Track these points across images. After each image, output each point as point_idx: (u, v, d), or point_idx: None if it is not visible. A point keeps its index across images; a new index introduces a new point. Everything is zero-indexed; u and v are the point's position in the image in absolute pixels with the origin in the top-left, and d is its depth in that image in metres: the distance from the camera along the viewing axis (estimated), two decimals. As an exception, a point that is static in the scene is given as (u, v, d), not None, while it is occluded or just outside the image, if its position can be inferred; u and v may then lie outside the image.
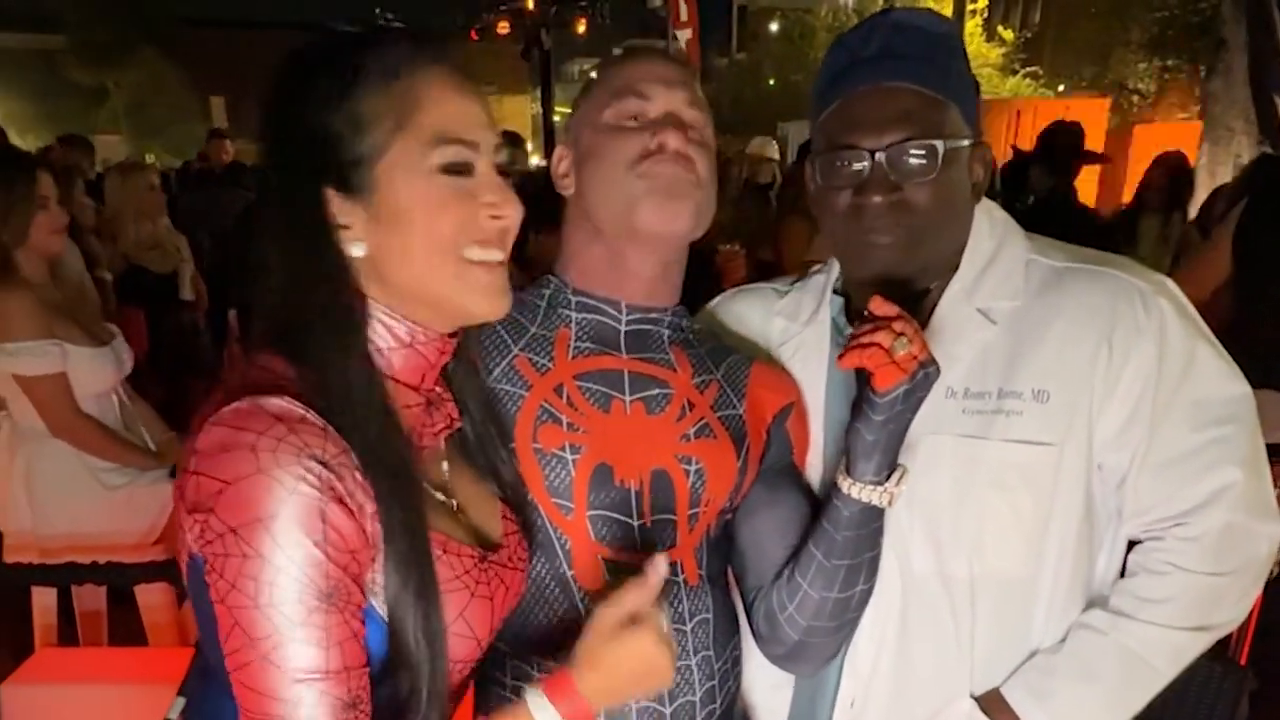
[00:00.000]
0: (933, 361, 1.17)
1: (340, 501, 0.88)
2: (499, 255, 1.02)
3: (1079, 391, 1.29)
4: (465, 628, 0.99)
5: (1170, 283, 1.35)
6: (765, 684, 1.45)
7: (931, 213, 1.29)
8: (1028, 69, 20.30)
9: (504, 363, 1.26)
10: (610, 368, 1.27)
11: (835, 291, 1.50)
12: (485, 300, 1.02)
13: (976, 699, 1.33)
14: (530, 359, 1.26)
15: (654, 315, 1.32)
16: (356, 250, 0.98)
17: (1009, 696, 1.31)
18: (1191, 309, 1.34)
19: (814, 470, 1.43)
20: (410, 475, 0.98)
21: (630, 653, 0.99)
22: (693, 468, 1.25)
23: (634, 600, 1.00)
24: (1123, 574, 1.37)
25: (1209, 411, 1.29)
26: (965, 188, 1.35)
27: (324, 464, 0.87)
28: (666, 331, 1.33)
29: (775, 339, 1.51)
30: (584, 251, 1.31)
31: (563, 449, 1.22)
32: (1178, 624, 1.29)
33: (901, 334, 1.13)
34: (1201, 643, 1.31)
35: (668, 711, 1.23)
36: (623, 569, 1.21)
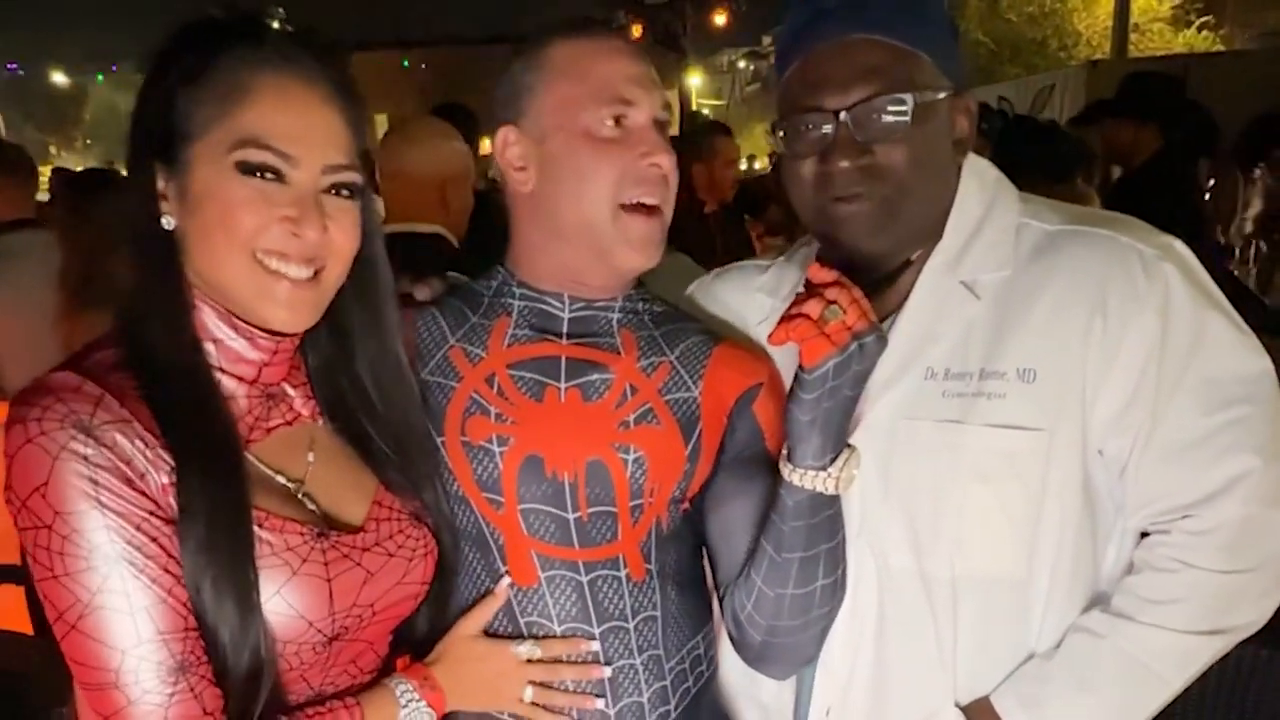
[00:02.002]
0: (872, 330, 1.07)
1: (115, 468, 0.90)
2: (297, 272, 1.00)
3: (1069, 370, 1.15)
4: (284, 605, 0.97)
5: (1179, 245, 1.19)
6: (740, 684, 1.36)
7: (906, 175, 1.18)
8: (1203, 19, 18.70)
9: (439, 355, 1.23)
10: (547, 354, 1.22)
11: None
12: (279, 310, 1.01)
13: (963, 708, 1.21)
14: (465, 349, 1.23)
15: (601, 303, 1.27)
16: (166, 222, 1.00)
17: (998, 706, 1.18)
18: (1203, 274, 1.18)
19: None
20: (222, 444, 0.98)
21: (478, 663, 1.11)
22: (631, 457, 1.19)
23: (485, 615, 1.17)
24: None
25: (1222, 391, 1.13)
26: (944, 144, 1.23)
27: (88, 431, 0.89)
28: (616, 315, 1.27)
29: (754, 317, 1.42)
30: (540, 252, 1.26)
31: (490, 441, 1.18)
32: (1187, 627, 1.13)
33: (834, 302, 1.04)
34: (1216, 648, 1.15)
35: (611, 713, 1.18)
36: (558, 565, 1.17)
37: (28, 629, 2.52)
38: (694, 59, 25.91)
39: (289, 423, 1.10)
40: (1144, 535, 1.20)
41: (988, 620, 1.20)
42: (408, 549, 1.12)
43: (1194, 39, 18.41)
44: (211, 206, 0.97)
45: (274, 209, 0.98)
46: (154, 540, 0.91)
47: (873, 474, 1.23)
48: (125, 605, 0.88)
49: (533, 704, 1.15)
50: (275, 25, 1.03)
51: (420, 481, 1.16)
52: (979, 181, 1.27)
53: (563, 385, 1.21)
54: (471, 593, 1.20)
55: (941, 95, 1.20)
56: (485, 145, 1.37)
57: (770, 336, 1.08)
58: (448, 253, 2.42)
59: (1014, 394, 1.16)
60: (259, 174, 0.97)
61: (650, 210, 1.20)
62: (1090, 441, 1.16)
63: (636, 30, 16.88)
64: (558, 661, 1.16)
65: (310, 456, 1.09)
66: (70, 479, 0.87)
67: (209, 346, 1.02)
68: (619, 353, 1.24)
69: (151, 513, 0.91)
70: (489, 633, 1.18)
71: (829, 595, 1.21)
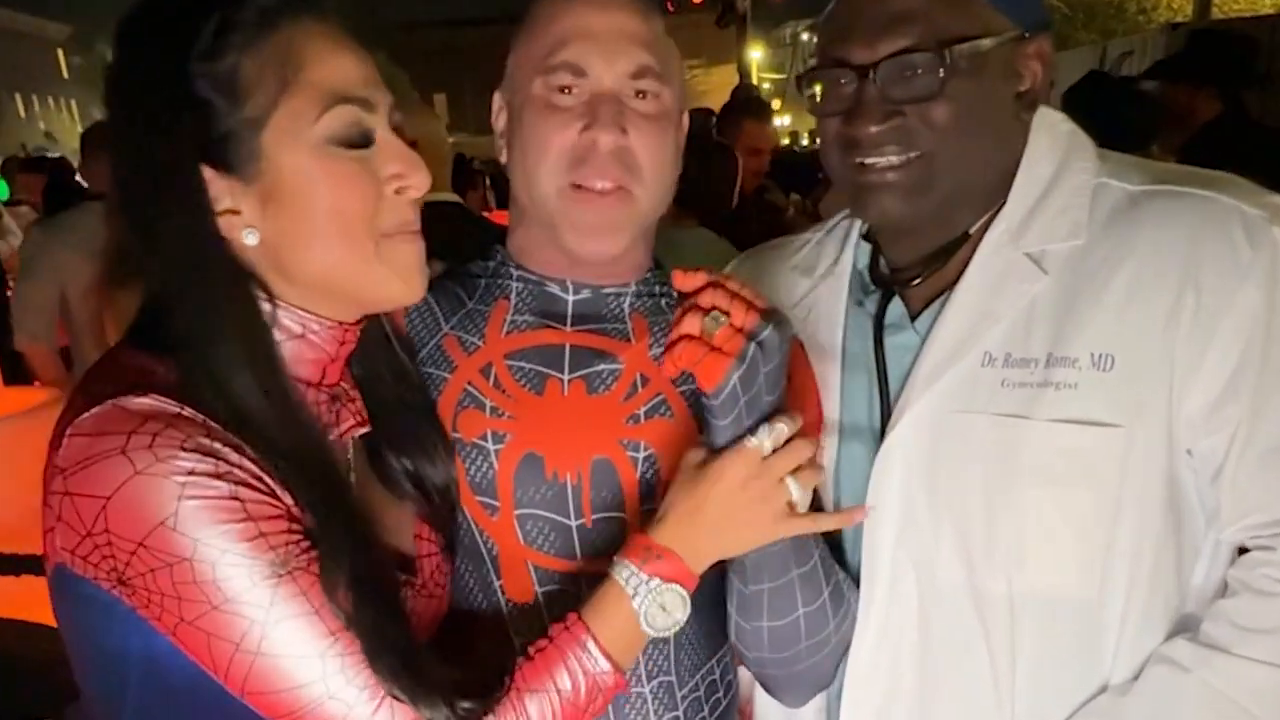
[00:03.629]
0: (771, 318, 0.90)
1: (248, 480, 0.79)
2: (413, 225, 0.91)
3: (1154, 355, 0.98)
4: None
5: None
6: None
7: (945, 136, 1.02)
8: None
9: (431, 343, 1.11)
10: (549, 343, 1.10)
11: (864, 237, 1.23)
12: (404, 283, 0.91)
13: (1020, 747, 1.04)
14: (459, 338, 1.11)
15: (610, 287, 1.13)
16: (249, 238, 0.85)
17: None
18: None
19: (827, 455, 1.18)
20: (338, 480, 0.88)
21: (712, 489, 0.91)
22: (641, 455, 1.06)
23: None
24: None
25: None
26: (1002, 99, 1.06)
27: (212, 452, 0.78)
28: (629, 299, 1.14)
29: (789, 298, 1.27)
30: (521, 228, 1.14)
31: (484, 438, 1.05)
32: None
33: (712, 308, 0.88)
34: None
35: None
36: (558, 579, 1.04)
37: (50, 620, 2.49)
38: (755, 31, 25.49)
39: (359, 424, 0.99)
40: (1242, 551, 1.03)
41: (1051, 646, 1.04)
42: (441, 586, 1.02)
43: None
44: (314, 194, 0.85)
45: (378, 174, 0.87)
46: (303, 543, 0.81)
47: (917, 475, 1.07)
48: (306, 607, 0.79)
49: (805, 512, 0.95)
50: None
51: (449, 497, 1.05)
52: (1049, 138, 1.10)
53: (566, 376, 1.08)
54: (466, 610, 1.07)
55: (1000, 41, 1.02)
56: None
57: (661, 369, 0.93)
58: (468, 221, 2.38)
59: (1087, 384, 0.99)
60: (351, 142, 0.86)
61: (602, 193, 1.05)
62: (1178, 440, 0.99)
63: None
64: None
65: (351, 476, 0.97)
66: (204, 501, 0.76)
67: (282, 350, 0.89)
68: (629, 340, 1.11)
69: (296, 520, 0.82)
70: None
71: (819, 622, 1.06)
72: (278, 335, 0.89)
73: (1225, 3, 16.39)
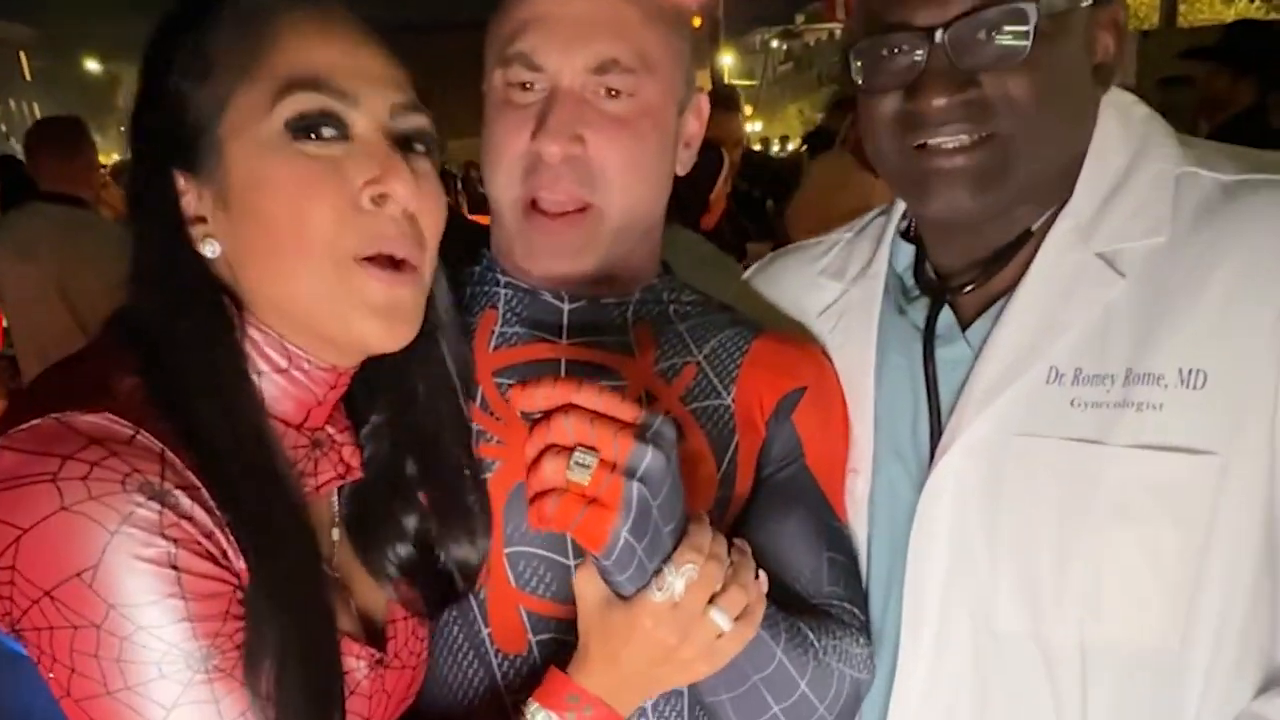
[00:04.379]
0: (648, 436, 0.71)
1: (196, 544, 0.65)
2: (398, 251, 0.75)
3: (1255, 371, 0.85)
4: None
5: None
6: None
7: (1027, 114, 0.90)
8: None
9: None
10: (542, 358, 0.97)
11: (903, 236, 1.10)
12: (376, 321, 0.76)
13: (1093, 815, 0.91)
14: None
15: (609, 298, 1.00)
16: (208, 249, 0.75)
17: None
18: None
19: (858, 477, 1.06)
20: (302, 540, 0.74)
21: (637, 625, 0.75)
22: None
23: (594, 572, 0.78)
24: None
25: None
26: (1081, 71, 0.94)
27: (161, 498, 0.64)
28: (631, 309, 1.01)
29: (816, 306, 1.13)
30: (498, 230, 1.01)
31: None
32: None
33: (576, 446, 0.71)
34: None
35: None
36: (553, 627, 0.89)
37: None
38: (726, 38, 25.55)
39: (340, 476, 0.85)
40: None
41: (1127, 701, 0.92)
42: (416, 655, 0.88)
43: (1245, 9, 17.78)
44: (266, 199, 0.72)
45: (346, 177, 0.73)
46: (236, 634, 0.68)
47: (973, 508, 0.95)
48: (215, 712, 0.65)
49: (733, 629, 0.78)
50: None
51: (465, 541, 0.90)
52: (1123, 122, 0.97)
53: None
54: (448, 665, 0.92)
55: (1083, 3, 0.90)
56: None
57: (528, 519, 0.75)
58: (454, 224, 2.25)
59: (1174, 404, 0.87)
60: (315, 132, 0.73)
61: (556, 215, 0.94)
62: (1279, 469, 0.86)
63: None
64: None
65: (334, 532, 0.85)
66: (137, 563, 0.63)
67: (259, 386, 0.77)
68: (632, 354, 0.97)
69: (237, 594, 0.69)
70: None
71: (803, 712, 0.90)
72: (260, 365, 0.76)
73: (1189, 12, 16.60)
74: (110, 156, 10.44)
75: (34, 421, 0.66)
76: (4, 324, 3.46)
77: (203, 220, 0.75)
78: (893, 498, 1.03)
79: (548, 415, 0.70)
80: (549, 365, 0.95)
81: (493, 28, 0.97)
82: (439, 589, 0.90)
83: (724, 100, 4.11)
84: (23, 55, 51.97)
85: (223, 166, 0.73)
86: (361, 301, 0.75)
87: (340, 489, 0.87)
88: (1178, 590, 0.88)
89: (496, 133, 0.95)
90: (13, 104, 51.24)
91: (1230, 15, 17.23)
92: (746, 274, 1.27)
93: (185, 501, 0.66)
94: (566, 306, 0.99)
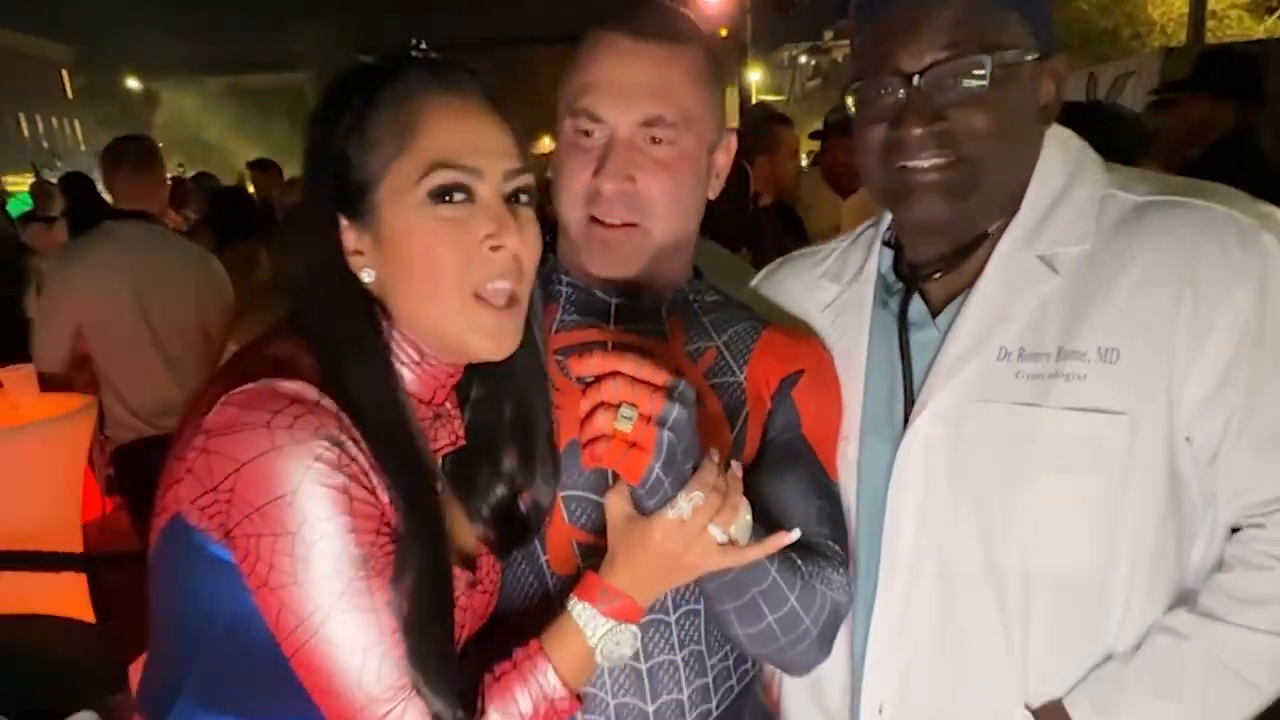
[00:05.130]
0: (675, 400, 0.92)
1: (359, 479, 0.89)
2: (508, 287, 0.99)
3: (1156, 348, 1.07)
4: None
5: None
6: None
7: (984, 141, 1.11)
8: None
9: None
10: (593, 340, 1.19)
11: (885, 244, 1.33)
12: (487, 341, 1.00)
13: (1033, 711, 1.13)
14: None
15: (648, 298, 1.23)
16: (366, 276, 0.99)
17: (1071, 710, 1.11)
18: None
19: (849, 442, 1.27)
20: (431, 489, 0.97)
21: (652, 536, 0.97)
22: None
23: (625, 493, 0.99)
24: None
25: None
26: (1028, 110, 1.15)
27: (339, 444, 0.88)
28: (665, 306, 1.25)
29: (817, 304, 1.36)
30: (567, 241, 1.24)
31: None
32: None
33: (621, 403, 0.92)
34: None
35: (650, 710, 1.13)
36: (598, 555, 1.13)
37: (88, 616, 2.57)
38: (754, 54, 25.73)
39: (452, 444, 1.09)
40: (1236, 530, 1.11)
41: (1062, 618, 1.13)
42: (493, 582, 1.11)
43: (1276, 26, 17.68)
44: (411, 246, 0.96)
45: (472, 232, 0.96)
46: (385, 547, 0.91)
47: (939, 462, 1.16)
48: (369, 603, 0.88)
49: (730, 543, 0.99)
50: (420, 55, 1.00)
51: (531, 526, 1.14)
52: (1062, 151, 1.20)
53: None
54: (515, 585, 1.16)
55: (1028, 57, 1.12)
56: (543, 144, 1.34)
57: (582, 463, 0.98)
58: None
59: (1095, 375, 1.08)
60: (449, 197, 0.95)
61: (612, 227, 1.17)
62: (1177, 427, 1.08)
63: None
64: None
65: (440, 487, 1.06)
66: (324, 489, 0.86)
67: (399, 372, 1.00)
68: (666, 338, 1.21)
69: (385, 522, 0.92)
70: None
71: (792, 623, 1.11)
72: (399, 355, 1.00)
73: (1218, 28, 16.57)
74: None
75: (249, 385, 0.88)
76: None
77: (360, 253, 0.98)
78: (875, 457, 1.24)
79: (599, 380, 0.93)
80: (599, 346, 1.18)
81: (565, 83, 1.20)
82: (513, 531, 1.13)
83: (782, 119, 4.47)
84: (65, 74, 53.10)
85: (379, 219, 0.96)
86: (477, 327, 0.98)
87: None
88: (1100, 524, 1.09)
89: (566, 169, 1.19)
90: (55, 121, 52.38)
91: (1259, 31, 17.15)
92: (758, 276, 1.50)
93: (353, 448, 0.90)
94: (614, 301, 1.22)
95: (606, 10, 1.22)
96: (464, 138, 0.97)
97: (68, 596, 2.54)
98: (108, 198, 3.87)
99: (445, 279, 0.96)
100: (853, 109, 1.20)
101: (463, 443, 1.10)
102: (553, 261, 1.27)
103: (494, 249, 0.97)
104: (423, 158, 0.95)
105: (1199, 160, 3.20)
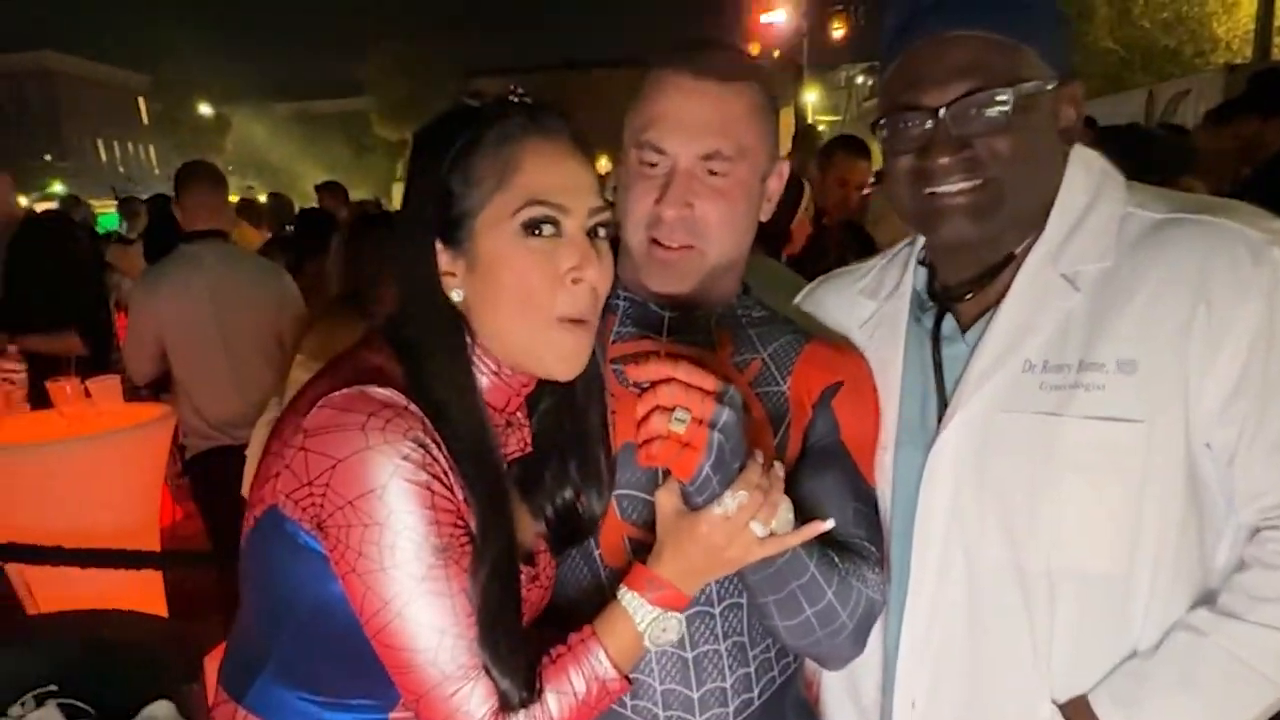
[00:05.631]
0: (725, 404, 1.00)
1: (441, 477, 0.99)
2: (584, 316, 1.08)
3: (1171, 359, 1.12)
4: None
5: None
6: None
7: (1008, 165, 1.18)
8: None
9: None
10: (647, 351, 1.27)
11: (920, 263, 1.40)
12: (561, 363, 1.09)
13: (1060, 706, 1.18)
14: None
15: (699, 313, 1.32)
16: (455, 295, 1.08)
17: (1095, 705, 1.16)
18: None
19: (885, 450, 1.34)
20: (504, 490, 1.07)
21: (698, 529, 1.05)
22: None
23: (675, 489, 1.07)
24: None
25: None
26: (1048, 135, 1.22)
27: (424, 445, 0.98)
28: (715, 317, 1.33)
29: (855, 320, 1.44)
30: (627, 260, 1.34)
31: None
32: None
33: (675, 406, 0.99)
34: None
35: (695, 696, 1.21)
36: (648, 550, 1.21)
37: (162, 611, 2.71)
38: (810, 74, 25.73)
39: (521, 450, 1.18)
40: (1257, 531, 1.16)
41: (1086, 616, 1.18)
42: (550, 578, 1.21)
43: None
44: (502, 273, 1.05)
45: (557, 264, 1.05)
46: (461, 540, 1.00)
47: (967, 467, 1.23)
48: (447, 589, 0.97)
49: (770, 535, 1.06)
50: (519, 101, 1.10)
51: (585, 527, 1.23)
52: (1084, 171, 1.26)
53: None
54: (566, 576, 1.25)
55: (1047, 86, 1.18)
56: (600, 164, 1.45)
57: (638, 461, 1.05)
58: None
59: (1113, 385, 1.14)
60: (540, 230, 1.04)
61: (671, 249, 1.26)
62: (1195, 434, 1.13)
63: (754, 48, 16.73)
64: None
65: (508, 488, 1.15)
66: (410, 485, 0.96)
67: (478, 381, 1.10)
68: (714, 349, 1.29)
69: (462, 518, 1.01)
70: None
71: (829, 616, 1.18)
72: (480, 367, 1.10)
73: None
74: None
75: (345, 390, 0.98)
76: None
77: (452, 275, 1.07)
78: (909, 464, 1.30)
79: (655, 385, 1.01)
80: (654, 355, 1.27)
81: (631, 115, 1.30)
82: (570, 531, 1.22)
83: (852, 144, 4.46)
84: (141, 101, 55.10)
85: (474, 247, 1.05)
86: (554, 350, 1.07)
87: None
88: (1122, 527, 1.14)
89: (631, 195, 1.29)
90: (131, 147, 54.31)
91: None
92: (801, 293, 1.59)
93: (435, 450, 0.99)
94: (668, 314, 1.32)
95: (660, 38, 1.32)
96: (556, 177, 1.06)
97: (144, 593, 2.68)
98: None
99: (531, 305, 1.05)
100: (883, 141, 1.27)
101: (530, 449, 1.20)
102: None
103: (575, 281, 1.06)
104: (519, 194, 1.04)
105: (1250, 179, 3.19)
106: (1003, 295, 1.25)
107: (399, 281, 1.11)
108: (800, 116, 18.13)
